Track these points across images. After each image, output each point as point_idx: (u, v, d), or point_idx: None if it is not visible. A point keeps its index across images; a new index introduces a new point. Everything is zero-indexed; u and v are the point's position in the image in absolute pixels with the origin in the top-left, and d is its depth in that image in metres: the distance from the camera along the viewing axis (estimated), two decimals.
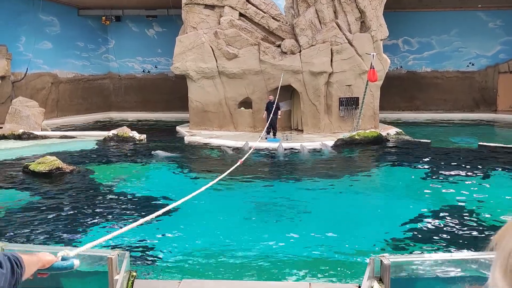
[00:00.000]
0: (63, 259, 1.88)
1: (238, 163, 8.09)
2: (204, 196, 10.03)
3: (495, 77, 26.74)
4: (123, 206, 9.50)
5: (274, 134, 17.72)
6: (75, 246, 6.97)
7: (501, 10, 26.19)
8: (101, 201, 9.88)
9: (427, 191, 10.63)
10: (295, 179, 11.91)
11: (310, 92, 18.80)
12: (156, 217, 3.83)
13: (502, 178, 11.85)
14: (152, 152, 14.92)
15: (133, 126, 20.63)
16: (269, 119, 17.09)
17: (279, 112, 17.71)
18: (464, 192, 10.37)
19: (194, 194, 4.82)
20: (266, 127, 17.20)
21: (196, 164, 14.34)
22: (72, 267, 1.86)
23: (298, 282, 5.62)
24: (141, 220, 3.37)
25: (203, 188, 5.63)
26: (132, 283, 4.32)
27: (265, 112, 17.52)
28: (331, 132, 18.72)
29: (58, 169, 12.06)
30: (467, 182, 11.32)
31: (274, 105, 17.30)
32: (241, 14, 19.53)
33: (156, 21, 28.41)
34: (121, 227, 3.26)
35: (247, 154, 11.45)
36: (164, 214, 8.52)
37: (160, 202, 9.51)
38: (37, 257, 1.75)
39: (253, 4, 19.47)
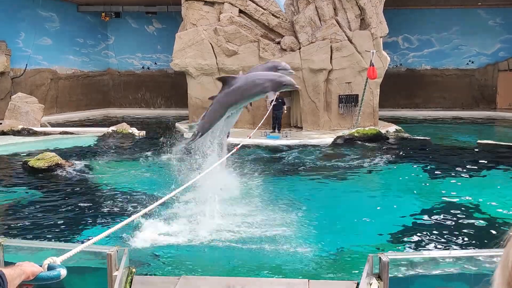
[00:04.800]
0: (49, 267, 1.81)
1: (234, 150, 8.09)
2: (202, 194, 10.03)
3: (495, 75, 26.72)
4: (122, 203, 9.49)
5: (279, 130, 17.89)
6: (73, 242, 6.97)
7: (501, 8, 26.16)
8: (100, 197, 9.88)
9: (426, 188, 10.64)
10: (293, 175, 11.91)
11: (309, 89, 18.79)
12: (149, 210, 3.83)
13: (501, 176, 11.86)
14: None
15: (132, 122, 20.61)
16: (275, 115, 17.57)
17: (284, 107, 17.92)
18: (463, 189, 10.37)
19: (191, 182, 4.84)
20: (272, 124, 17.91)
21: (196, 160, 14.30)
22: (58, 278, 1.78)
23: (297, 278, 5.63)
24: (133, 216, 3.37)
25: (198, 176, 5.63)
26: (131, 279, 4.33)
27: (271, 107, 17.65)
28: (330, 129, 18.72)
29: (57, 165, 12.06)
30: (466, 180, 11.33)
31: (280, 100, 17.58)
32: (241, 11, 19.50)
33: (156, 17, 28.36)
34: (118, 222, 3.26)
35: (243, 142, 11.44)
36: (164, 208, 8.51)
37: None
38: (20, 269, 1.68)
39: (253, 1, 19.43)
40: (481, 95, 27.13)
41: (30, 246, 4.44)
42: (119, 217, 8.48)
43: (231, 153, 8.22)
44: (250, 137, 12.07)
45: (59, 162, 12.14)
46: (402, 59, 27.71)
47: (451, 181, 11.24)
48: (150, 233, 7.56)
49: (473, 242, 7.29)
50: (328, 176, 11.77)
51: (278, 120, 17.94)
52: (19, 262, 1.72)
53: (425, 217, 8.58)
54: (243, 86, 8.52)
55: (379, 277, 4.02)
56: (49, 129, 18.97)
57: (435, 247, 7.06)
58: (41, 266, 1.79)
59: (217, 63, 19.24)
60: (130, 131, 17.67)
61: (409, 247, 7.11)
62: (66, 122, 23.09)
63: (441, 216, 8.55)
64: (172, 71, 22.69)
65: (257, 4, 19.42)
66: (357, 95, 18.70)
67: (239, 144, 8.46)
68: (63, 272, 1.81)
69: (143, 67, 29.38)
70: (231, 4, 19.37)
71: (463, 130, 20.53)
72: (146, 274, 5.78)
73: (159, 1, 25.76)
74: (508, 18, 26.39)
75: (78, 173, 11.96)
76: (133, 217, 3.29)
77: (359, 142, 16.07)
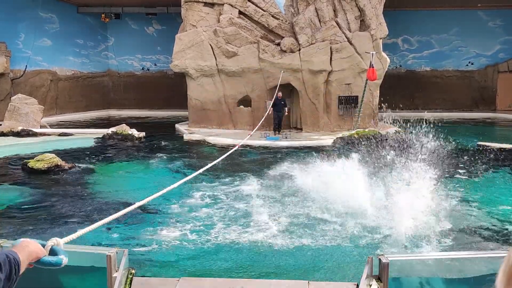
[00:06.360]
0: (52, 250, 1.80)
1: (235, 147, 8.11)
2: (202, 193, 10.04)
3: (495, 77, 26.78)
4: (121, 203, 9.48)
5: (279, 131, 17.96)
6: (74, 244, 6.96)
7: (501, 10, 26.20)
8: (100, 198, 9.87)
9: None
10: (291, 176, 11.88)
11: (309, 91, 18.80)
12: (137, 207, 3.86)
13: (500, 177, 11.86)
14: None
15: (132, 123, 20.60)
16: (277, 116, 17.76)
17: (286, 109, 18.16)
18: (462, 191, 10.37)
19: (185, 179, 4.86)
20: (274, 125, 18.08)
21: (195, 162, 14.32)
22: (60, 264, 1.77)
23: (297, 280, 5.62)
24: (122, 211, 3.40)
25: (197, 173, 5.63)
26: (131, 280, 4.32)
27: (271, 108, 17.70)
28: (330, 130, 18.73)
29: (57, 166, 12.06)
30: (465, 182, 11.32)
31: (282, 102, 17.81)
32: (240, 12, 19.52)
33: (156, 18, 28.40)
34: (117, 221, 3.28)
35: (244, 140, 11.44)
36: (163, 210, 8.52)
37: (159, 199, 9.50)
38: (28, 252, 1.68)
39: (252, 2, 19.46)
40: (481, 97, 27.16)
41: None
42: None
43: (230, 151, 8.25)
44: (250, 135, 12.09)
45: (59, 163, 12.14)
46: (402, 60, 27.75)
47: (450, 183, 11.23)
48: (150, 234, 7.56)
49: (473, 243, 7.29)
50: (327, 177, 11.73)
51: (279, 121, 17.99)
52: (24, 240, 1.71)
53: (425, 218, 8.57)
54: None
55: (379, 278, 4.01)
56: (48, 130, 18.97)
57: (435, 248, 7.06)
58: (44, 247, 1.79)
59: (216, 64, 19.26)
60: (130, 132, 17.68)
61: (409, 249, 7.10)
62: (65, 123, 23.08)
63: (441, 218, 8.54)
64: (172, 72, 22.72)
65: (256, 6, 19.44)
66: (356, 97, 18.71)
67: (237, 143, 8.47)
68: (65, 260, 1.80)
69: (143, 68, 29.42)
70: (231, 5, 19.39)
71: (463, 132, 20.52)
72: (145, 276, 5.77)
73: (159, 3, 25.79)
74: (507, 19, 26.43)
75: (77, 174, 11.95)
76: (128, 209, 3.33)
77: (359, 143, 16.02)
